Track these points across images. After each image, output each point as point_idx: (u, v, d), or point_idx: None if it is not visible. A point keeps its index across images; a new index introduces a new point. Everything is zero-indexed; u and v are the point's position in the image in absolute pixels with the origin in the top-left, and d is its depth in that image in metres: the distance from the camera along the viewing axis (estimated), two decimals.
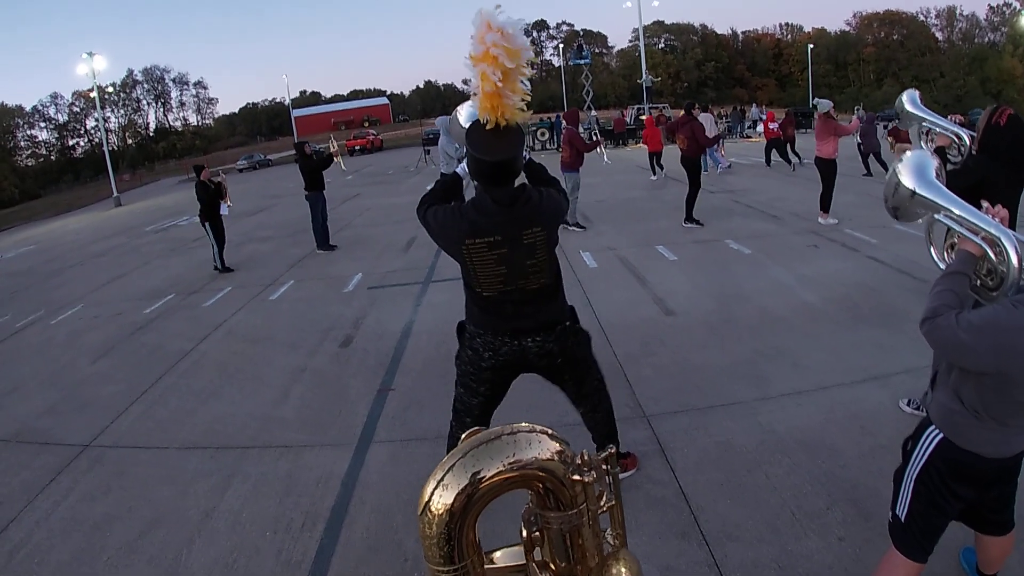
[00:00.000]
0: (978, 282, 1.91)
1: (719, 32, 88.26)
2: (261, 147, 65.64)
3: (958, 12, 74.81)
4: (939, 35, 76.47)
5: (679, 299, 6.10)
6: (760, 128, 20.71)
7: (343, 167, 12.21)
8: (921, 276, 6.17)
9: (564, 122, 10.28)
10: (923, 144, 3.83)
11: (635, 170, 17.70)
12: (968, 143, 3.45)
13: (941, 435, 1.91)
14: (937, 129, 3.67)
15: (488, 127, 2.35)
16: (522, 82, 2.33)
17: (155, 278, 9.84)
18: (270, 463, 3.77)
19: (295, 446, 3.94)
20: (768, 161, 16.89)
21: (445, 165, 8.82)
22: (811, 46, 68.99)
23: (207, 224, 9.39)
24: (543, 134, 29.95)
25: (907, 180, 2.11)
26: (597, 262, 7.79)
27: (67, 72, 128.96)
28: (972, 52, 70.15)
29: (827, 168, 8.92)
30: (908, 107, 3.97)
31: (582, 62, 34.41)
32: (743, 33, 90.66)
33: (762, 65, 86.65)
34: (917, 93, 4.06)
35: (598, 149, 11.57)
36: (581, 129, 25.85)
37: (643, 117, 30.59)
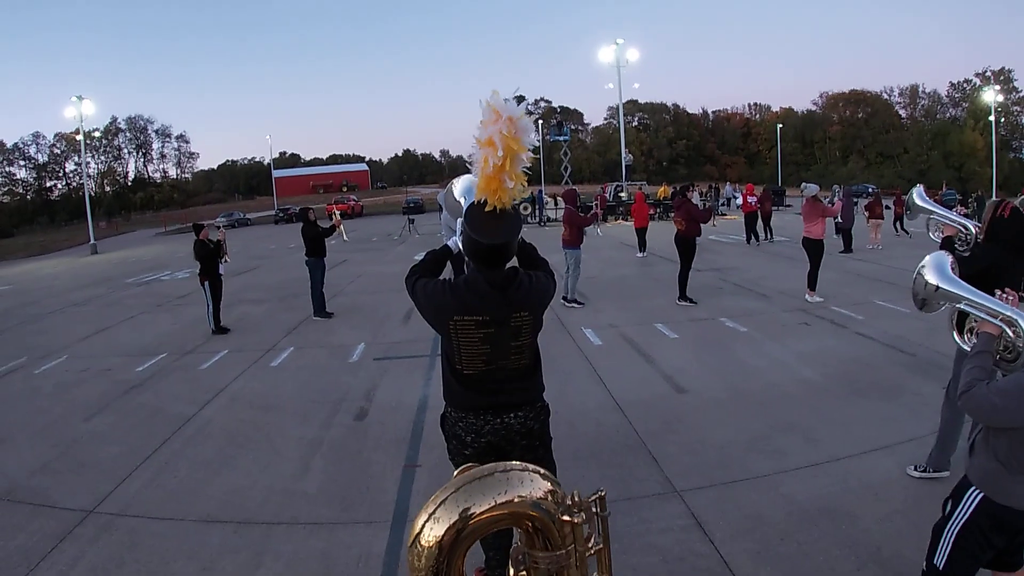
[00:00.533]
0: (998, 356, 2.30)
1: (690, 111, 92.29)
2: (239, 205, 65.82)
3: (920, 89, 78.44)
4: (902, 112, 79.86)
5: (687, 377, 6.26)
6: (736, 203, 21.23)
7: (344, 238, 12.34)
8: (909, 350, 6.67)
9: (564, 202, 10.43)
10: (932, 235, 4.28)
11: (619, 246, 18.13)
12: (973, 232, 3.85)
13: (981, 494, 2.21)
14: (945, 221, 4.09)
15: (487, 209, 2.41)
16: (524, 168, 2.43)
17: (144, 334, 9.66)
18: (301, 540, 3.67)
19: (325, 523, 3.84)
20: (749, 239, 17.35)
21: (447, 237, 8.95)
22: (780, 125, 72.21)
23: (206, 283, 9.27)
24: (525, 208, 30.32)
25: (931, 277, 2.59)
26: (601, 339, 7.89)
27: (51, 113, 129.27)
28: (934, 128, 73.09)
29: (815, 248, 9.45)
30: (918, 202, 4.42)
31: (561, 139, 35.32)
32: (713, 112, 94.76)
33: (731, 143, 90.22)
34: (922, 188, 4.51)
35: (596, 223, 11.88)
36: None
37: (621, 194, 31.45)
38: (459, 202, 2.71)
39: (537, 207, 30.01)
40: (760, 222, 17.49)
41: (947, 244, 3.89)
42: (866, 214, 15.08)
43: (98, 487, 4.46)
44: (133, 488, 4.45)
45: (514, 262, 2.66)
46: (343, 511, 4.00)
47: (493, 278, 2.45)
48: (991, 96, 52.60)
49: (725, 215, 28.97)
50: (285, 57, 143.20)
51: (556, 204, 28.26)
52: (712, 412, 5.33)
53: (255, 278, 15.72)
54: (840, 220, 14.57)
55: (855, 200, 17.06)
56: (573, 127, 74.95)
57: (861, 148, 78.31)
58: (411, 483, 4.31)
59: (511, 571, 0.86)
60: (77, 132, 37.11)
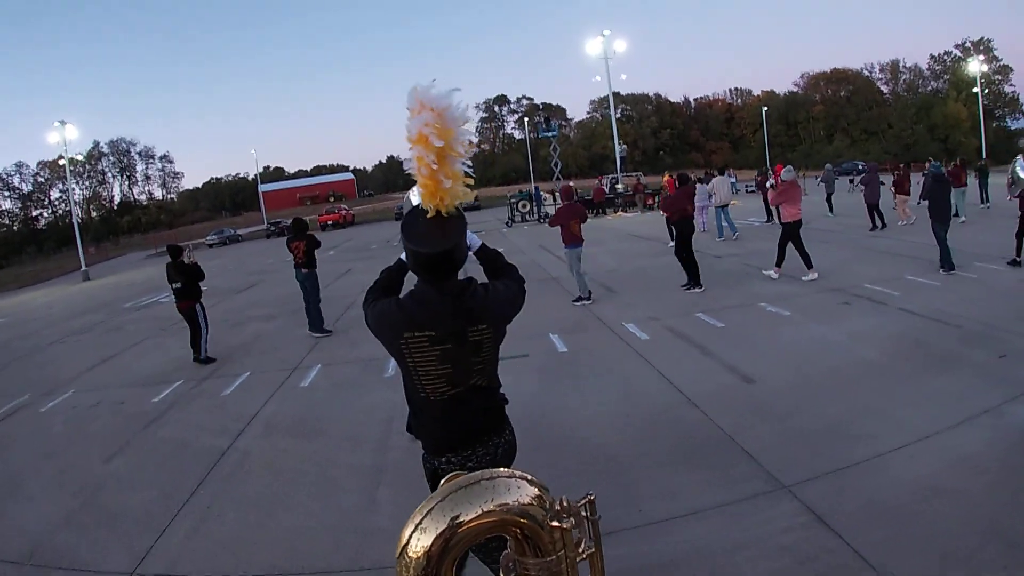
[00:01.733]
0: None
1: (672, 100, 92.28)
2: (227, 222, 65.15)
3: (901, 64, 78.76)
4: (884, 88, 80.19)
5: (749, 365, 5.99)
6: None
7: None
8: (953, 322, 6.67)
9: (561, 199, 10.04)
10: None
11: (627, 238, 17.76)
12: None
13: None
14: None
15: (429, 215, 2.20)
16: (463, 164, 2.18)
17: (153, 361, 9.08)
18: None
19: None
20: (768, 218, 17.29)
21: None
22: (765, 108, 72.08)
23: (198, 307, 8.53)
24: (524, 206, 29.98)
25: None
26: (647, 333, 7.46)
27: (33, 141, 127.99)
28: (918, 101, 73.30)
29: (796, 229, 9.50)
30: (1020, 173, 4.72)
31: (550, 134, 35.08)
32: (695, 100, 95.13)
33: (715, 129, 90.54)
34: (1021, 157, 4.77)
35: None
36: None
37: (618, 187, 31.12)
38: None
39: (535, 204, 29.75)
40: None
41: None
42: (893, 190, 14.68)
43: (135, 542, 3.90)
44: (176, 540, 3.90)
45: (481, 273, 2.49)
46: None
47: (443, 289, 2.21)
48: (976, 67, 52.80)
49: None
50: (264, 72, 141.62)
51: (555, 199, 27.91)
52: (787, 400, 5.09)
53: (259, 294, 15.13)
54: (865, 192, 14.44)
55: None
56: (556, 123, 74.67)
57: (845, 126, 78.60)
58: None
59: None
60: (60, 159, 36.57)
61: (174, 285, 8.54)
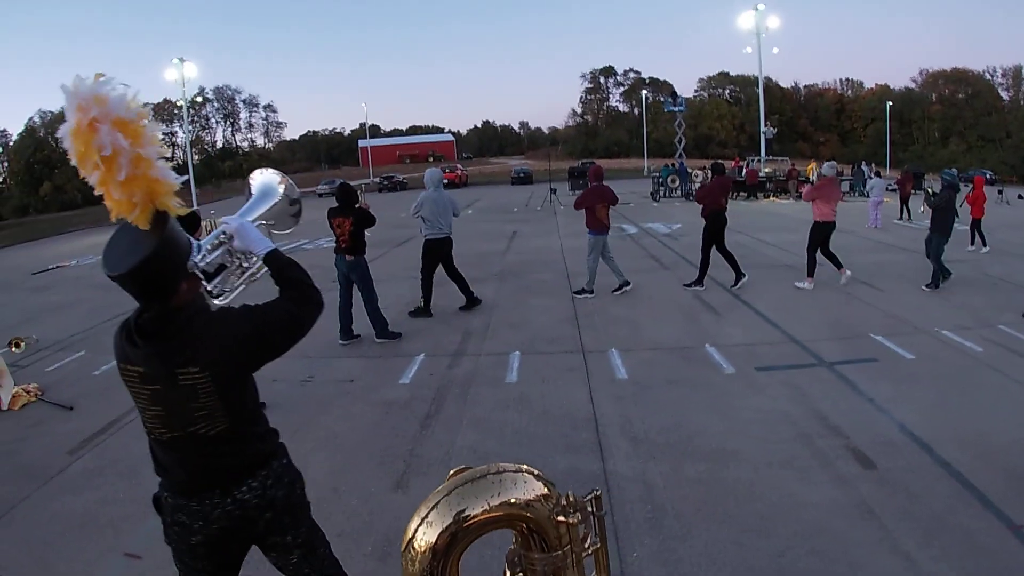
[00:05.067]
0: None
1: (783, 85, 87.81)
2: (328, 174, 66.92)
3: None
4: (1004, 94, 75.35)
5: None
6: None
7: None
8: None
9: (591, 180, 9.10)
10: None
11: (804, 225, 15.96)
12: None
13: None
14: None
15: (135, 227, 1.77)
16: (161, 164, 1.76)
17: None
18: None
19: None
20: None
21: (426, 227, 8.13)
22: (889, 103, 67.60)
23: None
24: (673, 180, 29.15)
25: None
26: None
27: (141, 81, 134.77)
28: None
29: (827, 232, 8.96)
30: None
31: (676, 109, 33.97)
32: (805, 87, 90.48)
33: (824, 120, 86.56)
34: None
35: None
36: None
37: (766, 169, 29.83)
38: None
39: (681, 182, 29.02)
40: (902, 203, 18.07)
41: None
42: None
43: None
44: None
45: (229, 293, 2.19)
46: None
47: (145, 320, 1.83)
48: None
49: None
50: (365, 27, 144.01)
51: (706, 177, 27.06)
52: None
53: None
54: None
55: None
56: (661, 99, 72.36)
57: (961, 130, 73.23)
58: None
59: (507, 573, 0.82)
60: (167, 101, 38.14)
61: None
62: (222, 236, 2.17)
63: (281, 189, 2.44)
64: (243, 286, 2.27)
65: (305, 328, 2.01)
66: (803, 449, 4.28)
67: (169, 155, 1.82)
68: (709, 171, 10.25)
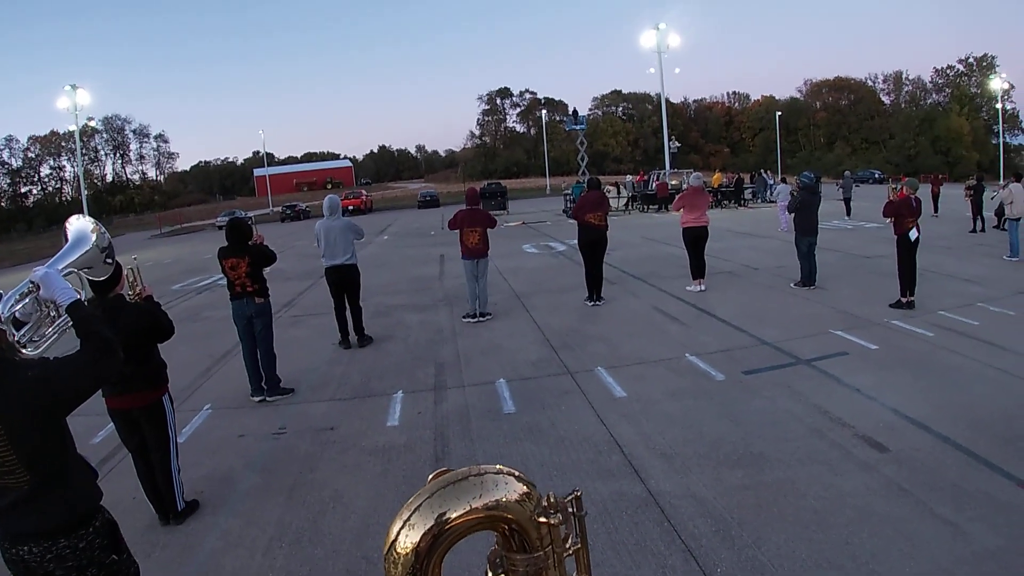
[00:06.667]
0: None
1: (673, 101, 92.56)
2: (223, 206, 64.06)
3: (904, 76, 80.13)
4: (885, 99, 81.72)
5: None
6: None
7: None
8: None
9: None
10: None
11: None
12: None
13: None
14: None
15: None
16: None
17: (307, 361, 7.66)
18: None
19: None
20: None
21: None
22: (779, 113, 72.51)
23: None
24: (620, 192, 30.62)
25: None
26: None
27: (24, 114, 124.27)
28: (921, 113, 74.31)
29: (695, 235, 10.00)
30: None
31: (578, 127, 34.93)
32: (695, 102, 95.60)
33: (714, 132, 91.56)
34: None
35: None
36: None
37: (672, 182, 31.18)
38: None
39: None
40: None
41: None
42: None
43: None
44: None
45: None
46: None
47: None
48: (998, 84, 54.69)
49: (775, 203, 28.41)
50: (257, 57, 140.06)
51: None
52: None
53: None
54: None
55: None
56: (558, 119, 74.32)
57: (846, 135, 79.54)
58: None
59: (489, 574, 0.83)
60: (53, 135, 35.61)
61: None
62: (30, 285, 2.10)
63: (93, 237, 2.39)
64: (56, 335, 2.18)
65: (102, 380, 2.03)
66: (820, 443, 4.55)
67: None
68: (618, 187, 11.03)
